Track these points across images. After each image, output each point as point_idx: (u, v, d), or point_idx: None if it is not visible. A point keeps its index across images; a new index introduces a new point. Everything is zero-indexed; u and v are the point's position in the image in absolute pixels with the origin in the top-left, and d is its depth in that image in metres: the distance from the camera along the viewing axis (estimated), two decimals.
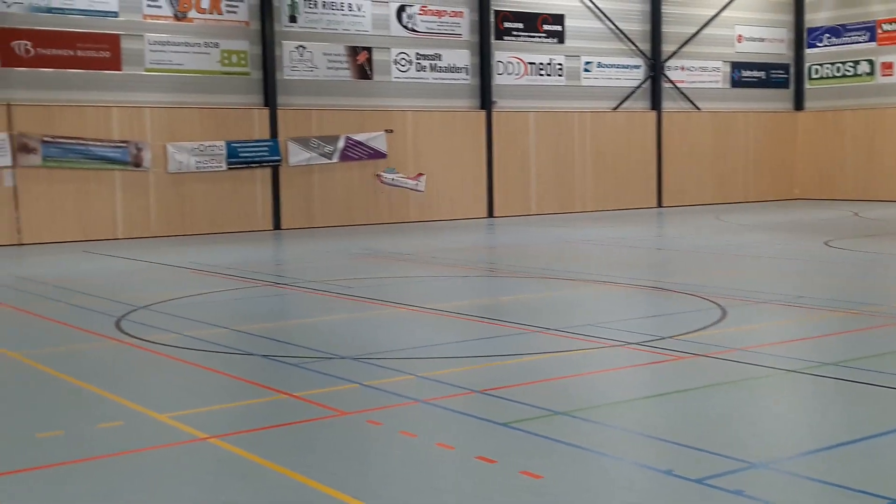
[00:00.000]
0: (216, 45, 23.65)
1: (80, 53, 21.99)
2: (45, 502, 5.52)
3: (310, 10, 24.78)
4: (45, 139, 21.52)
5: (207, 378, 8.64)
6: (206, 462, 6.20)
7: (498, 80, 27.60)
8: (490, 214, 27.66)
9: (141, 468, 6.09)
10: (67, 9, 21.81)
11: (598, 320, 10.93)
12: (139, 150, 22.56)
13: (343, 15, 25.14)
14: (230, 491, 5.65)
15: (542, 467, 5.87)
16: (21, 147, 21.29)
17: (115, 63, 22.42)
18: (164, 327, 10.91)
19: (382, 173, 25.24)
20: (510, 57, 27.81)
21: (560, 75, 28.75)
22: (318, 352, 9.42)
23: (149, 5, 22.78)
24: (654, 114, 30.49)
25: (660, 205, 30.81)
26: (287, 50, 24.55)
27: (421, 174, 25.20)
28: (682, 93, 31.09)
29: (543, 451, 6.25)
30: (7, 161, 21.12)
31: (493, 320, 11.25)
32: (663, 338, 9.87)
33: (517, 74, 27.98)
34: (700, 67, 31.44)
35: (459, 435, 6.67)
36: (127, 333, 10.52)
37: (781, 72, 33.27)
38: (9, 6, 21.18)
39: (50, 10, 21.62)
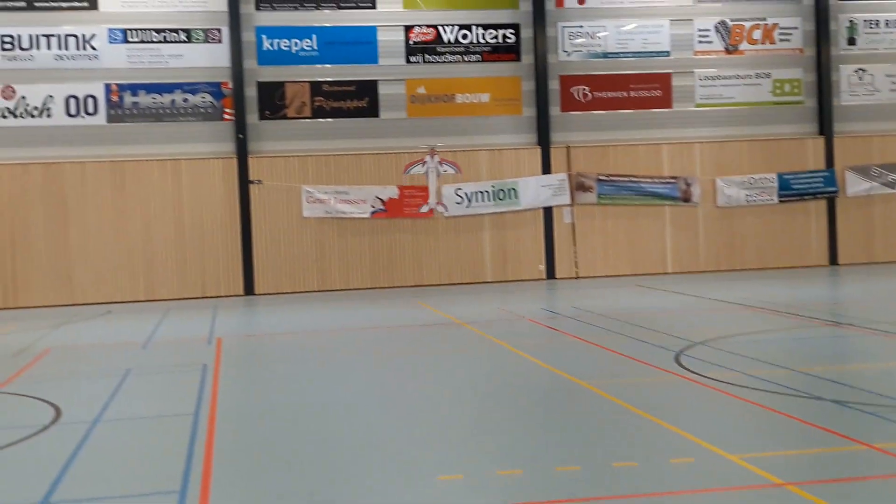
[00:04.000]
0: (768, 75, 23.13)
1: (632, 94, 22.85)
2: None
3: (870, 31, 23.18)
4: (600, 178, 22.64)
5: (775, 420, 8.21)
6: None
7: None
8: None
9: None
10: (622, 52, 22.81)
11: None
12: (688, 185, 22.78)
13: None
14: None
15: None
16: (578, 186, 22.64)
17: (665, 101, 22.93)
18: (723, 364, 10.68)
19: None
20: None
21: None
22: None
23: (700, 41, 23.00)
24: None
25: None
26: (844, 74, 23.19)
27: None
28: None
29: None
30: (566, 199, 22.58)
31: None
32: None
33: None
34: None
35: None
36: (686, 368, 10.48)
37: None
38: (569, 55, 22.71)
39: (605, 55, 22.78)
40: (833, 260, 23.10)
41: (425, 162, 22.07)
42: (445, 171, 22.11)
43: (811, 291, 18.27)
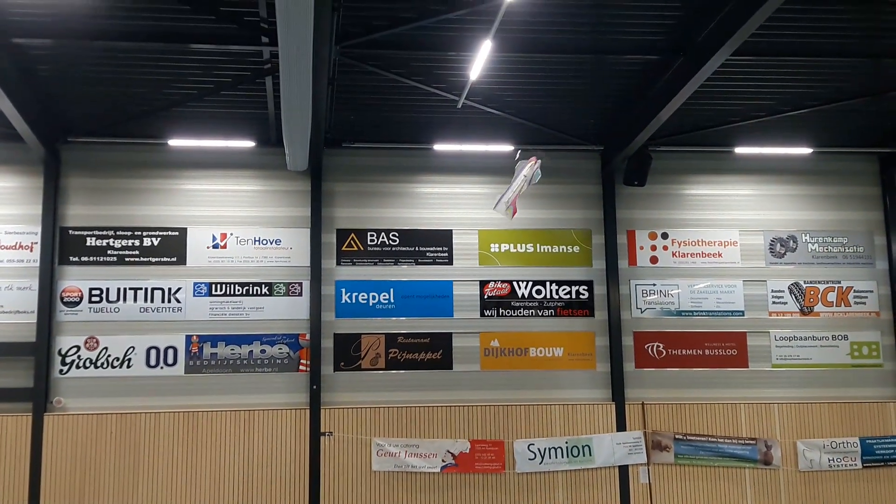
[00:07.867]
0: (845, 338, 22.98)
1: (707, 352, 22.70)
2: None
3: None
4: (677, 437, 22.16)
5: None
6: None
7: None
8: None
9: None
10: (696, 311, 22.85)
11: None
12: (768, 447, 22.21)
13: None
14: None
15: None
16: (655, 445, 22.14)
17: (741, 360, 22.73)
18: None
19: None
20: None
21: None
22: None
23: (774, 302, 23.03)
24: None
25: None
26: None
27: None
28: None
29: None
30: (642, 458, 22.02)
31: None
32: None
33: None
34: None
35: None
36: None
37: None
38: (642, 312, 22.78)
39: (679, 313, 22.82)
40: None
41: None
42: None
43: None
